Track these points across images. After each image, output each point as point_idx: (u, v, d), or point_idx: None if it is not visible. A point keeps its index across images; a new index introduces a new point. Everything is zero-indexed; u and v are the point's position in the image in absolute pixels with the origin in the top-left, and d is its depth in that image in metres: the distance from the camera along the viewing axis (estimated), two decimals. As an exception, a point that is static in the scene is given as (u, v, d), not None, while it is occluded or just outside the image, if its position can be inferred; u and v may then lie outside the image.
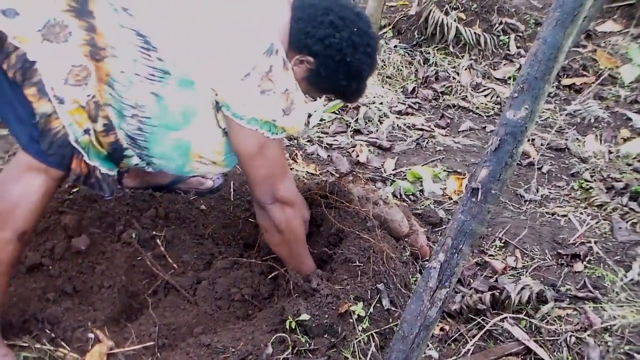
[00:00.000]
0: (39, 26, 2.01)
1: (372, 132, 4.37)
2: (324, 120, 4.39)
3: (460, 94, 5.00)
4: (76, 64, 2.07)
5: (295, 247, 2.58)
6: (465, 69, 5.21)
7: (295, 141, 4.06)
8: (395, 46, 5.41)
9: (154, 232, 2.79)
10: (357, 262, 2.63)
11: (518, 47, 5.57)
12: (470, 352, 2.61)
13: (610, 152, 4.14)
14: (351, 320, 2.43)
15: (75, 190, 3.02)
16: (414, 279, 2.86)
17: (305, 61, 2.32)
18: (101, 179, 2.30)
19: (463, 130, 4.54)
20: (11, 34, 2.00)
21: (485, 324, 2.69)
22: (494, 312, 2.77)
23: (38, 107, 2.07)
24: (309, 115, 2.24)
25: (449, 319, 2.76)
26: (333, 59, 2.30)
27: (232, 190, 3.21)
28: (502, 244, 3.25)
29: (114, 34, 2.09)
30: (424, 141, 4.30)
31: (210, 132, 2.32)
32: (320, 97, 2.54)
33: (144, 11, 2.10)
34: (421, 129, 4.47)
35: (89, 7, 2.05)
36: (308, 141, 4.11)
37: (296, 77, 2.33)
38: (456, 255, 2.00)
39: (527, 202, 3.66)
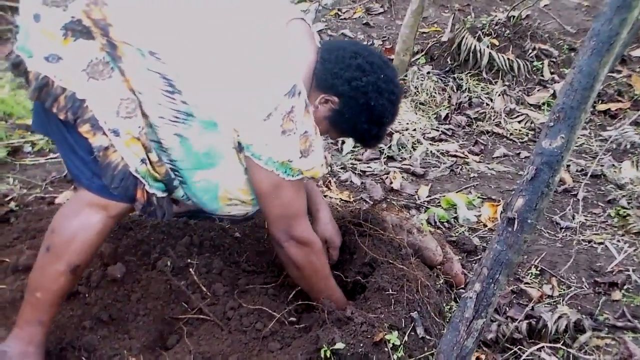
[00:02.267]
0: (83, 66, 2.08)
1: (405, 158, 4.37)
2: (357, 147, 4.39)
3: (493, 120, 4.98)
4: (124, 97, 2.14)
5: (316, 282, 2.59)
6: (499, 95, 5.19)
7: (329, 168, 4.07)
8: (428, 72, 5.41)
9: (189, 260, 2.80)
10: (391, 290, 2.62)
11: (552, 73, 5.54)
12: (507, 382, 2.58)
13: (647, 179, 4.10)
14: (386, 349, 2.41)
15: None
16: (449, 307, 2.84)
17: (330, 101, 2.35)
18: (157, 205, 2.35)
19: (497, 157, 4.52)
20: (57, 77, 2.08)
21: (521, 354, 2.65)
22: (530, 341, 2.74)
23: (94, 142, 2.14)
24: (326, 159, 2.28)
25: (484, 348, 2.73)
26: (357, 102, 2.33)
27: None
28: (538, 272, 3.22)
29: (140, 78, 2.13)
30: (457, 168, 4.29)
31: (235, 171, 2.35)
32: (338, 138, 2.57)
33: (171, 54, 2.12)
34: (455, 156, 4.46)
35: (118, 53, 2.10)
36: (342, 168, 4.12)
37: (319, 116, 2.36)
38: (492, 285, 1.99)
39: (563, 230, 3.63)
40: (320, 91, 2.34)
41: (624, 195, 3.91)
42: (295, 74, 2.21)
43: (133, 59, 2.11)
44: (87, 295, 2.62)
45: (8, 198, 3.24)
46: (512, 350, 2.69)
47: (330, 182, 3.86)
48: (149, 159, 2.23)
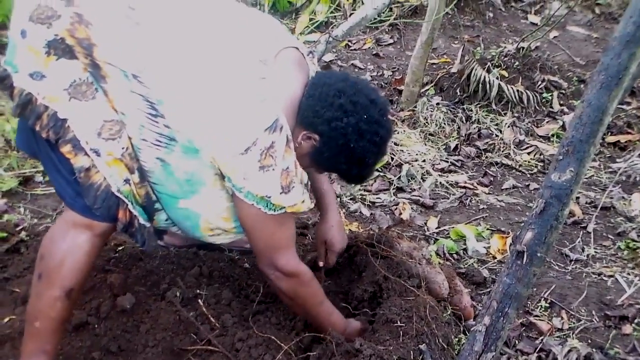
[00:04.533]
0: (65, 85, 2.08)
1: (414, 189, 4.37)
2: (366, 177, 4.39)
3: (503, 151, 4.98)
4: (108, 118, 2.13)
5: (309, 309, 2.61)
6: (508, 127, 5.20)
7: (338, 199, 4.07)
8: (438, 103, 5.43)
9: (198, 291, 2.81)
10: (399, 322, 2.62)
11: (561, 105, 5.55)
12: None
13: (657, 212, 4.08)
14: (395, 382, 2.40)
15: (120, 248, 3.06)
16: (457, 339, 2.83)
17: (312, 138, 2.31)
18: (138, 228, 2.35)
19: (506, 188, 4.51)
20: (40, 95, 2.08)
21: (531, 388, 2.64)
22: (540, 375, 2.72)
23: (76, 163, 2.13)
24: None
25: (494, 382, 2.71)
26: (337, 142, 2.28)
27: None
28: (547, 305, 3.21)
29: (123, 100, 2.13)
30: (467, 199, 4.28)
31: (217, 199, 2.36)
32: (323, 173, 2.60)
33: (154, 79, 2.12)
34: (464, 187, 4.46)
35: (101, 73, 2.10)
36: (351, 199, 4.12)
37: (302, 152, 2.33)
38: (502, 318, 1.99)
39: (573, 262, 3.61)
40: (303, 127, 2.31)
41: (633, 228, 3.89)
42: (277, 107, 2.18)
43: (117, 80, 2.11)
44: (96, 326, 2.62)
45: (19, 228, 3.25)
46: (522, 384, 2.68)
47: (339, 213, 3.86)
48: (132, 180, 2.23)
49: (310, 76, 2.42)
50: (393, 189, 4.34)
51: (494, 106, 5.41)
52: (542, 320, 3.10)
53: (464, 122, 5.29)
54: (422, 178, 4.50)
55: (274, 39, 2.35)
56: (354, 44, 6.70)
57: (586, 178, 4.56)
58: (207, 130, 2.16)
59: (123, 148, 2.17)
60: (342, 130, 2.25)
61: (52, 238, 2.28)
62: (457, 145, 5.02)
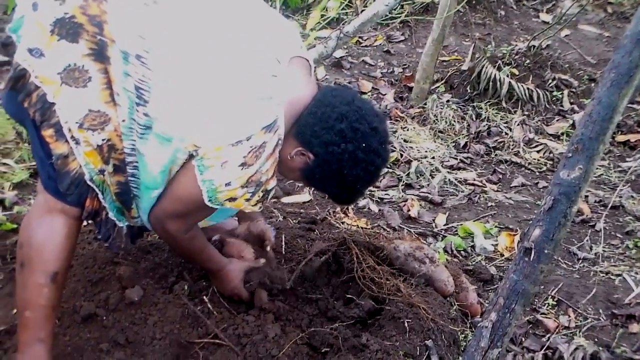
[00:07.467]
0: (59, 69, 2.03)
1: (423, 186, 4.37)
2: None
3: (512, 149, 4.98)
4: (94, 109, 2.09)
5: (184, 256, 2.76)
6: (518, 125, 5.19)
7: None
8: (448, 101, 5.43)
9: (205, 284, 2.81)
10: (405, 318, 2.62)
11: (571, 103, 5.54)
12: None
13: (666, 211, 4.07)
14: (401, 377, 2.41)
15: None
16: (464, 336, 2.83)
17: (306, 155, 2.26)
18: (104, 221, 2.35)
19: (515, 186, 4.51)
20: (34, 73, 2.03)
21: (537, 385, 2.64)
22: (546, 372, 2.72)
23: (55, 149, 2.10)
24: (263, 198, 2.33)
25: (500, 379, 2.71)
26: (330, 167, 2.24)
27: (283, 243, 3.23)
28: (554, 303, 3.21)
29: (120, 82, 2.08)
30: (475, 196, 4.28)
31: None
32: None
33: (160, 59, 2.07)
34: (473, 184, 4.46)
35: (107, 53, 2.05)
36: (359, 195, 4.12)
37: (293, 165, 2.30)
38: (508, 315, 1.99)
39: (580, 260, 3.61)
40: (299, 142, 2.26)
41: (642, 227, 3.89)
42: (279, 108, 2.14)
43: (117, 61, 2.06)
44: (104, 317, 2.62)
45: (29, 219, 3.26)
46: (528, 381, 2.68)
47: (347, 209, 3.87)
48: (107, 170, 2.21)
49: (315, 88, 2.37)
50: (402, 185, 4.35)
51: (504, 104, 5.40)
52: (549, 318, 3.10)
53: (474, 119, 5.29)
54: (431, 175, 4.50)
55: (292, 43, 2.32)
56: (364, 40, 6.70)
57: (595, 177, 4.55)
58: (198, 119, 2.10)
59: (103, 140, 2.13)
60: (338, 156, 2.21)
61: (28, 226, 2.25)
62: (466, 142, 5.02)
